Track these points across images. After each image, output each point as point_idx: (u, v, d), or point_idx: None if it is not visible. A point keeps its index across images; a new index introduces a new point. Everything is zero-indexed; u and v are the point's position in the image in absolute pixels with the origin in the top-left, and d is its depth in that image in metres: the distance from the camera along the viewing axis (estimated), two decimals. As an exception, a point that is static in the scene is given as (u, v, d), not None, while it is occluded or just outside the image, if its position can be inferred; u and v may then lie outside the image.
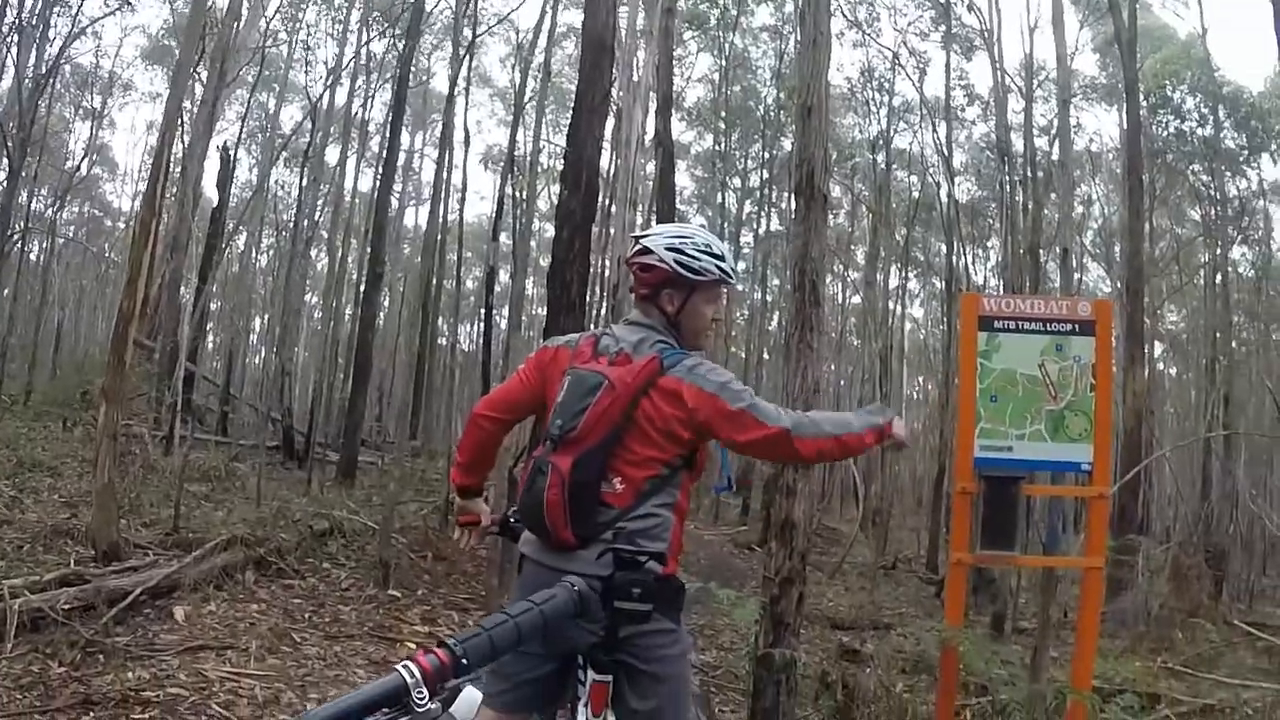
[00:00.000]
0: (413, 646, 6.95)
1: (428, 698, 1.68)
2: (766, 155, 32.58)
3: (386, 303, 34.79)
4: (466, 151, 29.63)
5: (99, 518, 7.58)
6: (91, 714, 4.74)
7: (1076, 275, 24.77)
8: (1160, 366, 32.68)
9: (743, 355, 34.78)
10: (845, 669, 6.43)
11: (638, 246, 3.12)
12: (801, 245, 5.94)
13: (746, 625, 8.84)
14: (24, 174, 20.39)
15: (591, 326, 10.10)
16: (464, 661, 1.82)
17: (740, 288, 36.33)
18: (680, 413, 2.88)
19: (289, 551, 8.82)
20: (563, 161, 10.51)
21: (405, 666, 1.70)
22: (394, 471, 10.95)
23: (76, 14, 22.82)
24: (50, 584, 6.09)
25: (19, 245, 21.21)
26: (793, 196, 6.63)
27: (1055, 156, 23.25)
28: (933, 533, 19.32)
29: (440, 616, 7.88)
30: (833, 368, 33.88)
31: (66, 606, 5.83)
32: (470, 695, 1.88)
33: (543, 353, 3.21)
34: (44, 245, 29.44)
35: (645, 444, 2.91)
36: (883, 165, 30.41)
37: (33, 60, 21.05)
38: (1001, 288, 24.04)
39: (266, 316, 35.51)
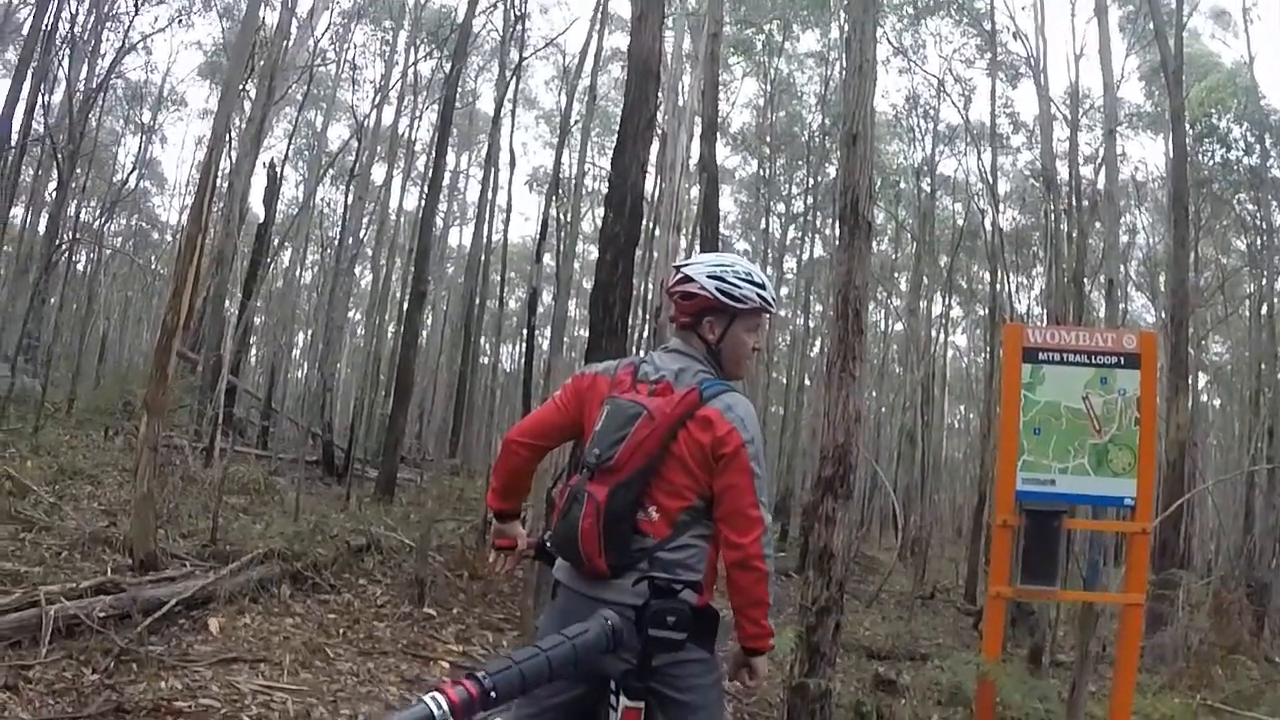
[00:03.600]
0: (446, 665, 6.95)
1: None
2: (811, 181, 32.51)
3: (429, 321, 34.95)
4: (512, 173, 29.86)
5: (137, 527, 7.62)
6: (123, 722, 4.75)
7: (1121, 305, 24.54)
8: (1204, 398, 32.21)
9: (783, 381, 34.66)
10: (880, 699, 6.38)
11: (679, 275, 3.13)
12: (845, 272, 5.92)
13: (781, 654, 8.79)
14: (73, 186, 20.71)
15: (633, 350, 10.12)
16: (493, 694, 1.80)
17: (782, 314, 36.23)
18: (709, 442, 2.86)
19: (325, 566, 8.84)
20: (607, 185, 10.54)
21: (433, 698, 1.69)
22: (432, 490, 11.00)
23: (128, 29, 23.24)
24: (86, 591, 6.11)
25: (67, 256, 21.51)
26: (837, 223, 6.62)
27: (1100, 185, 23.08)
28: (971, 563, 19.11)
29: (475, 636, 7.87)
30: (874, 394, 33.67)
31: (102, 614, 5.85)
32: None
33: (580, 379, 3.20)
34: (91, 256, 29.87)
35: (682, 474, 2.90)
36: (927, 192, 30.31)
37: (84, 74, 21.42)
38: (1045, 317, 23.82)
39: (309, 332, 35.84)
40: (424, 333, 29.73)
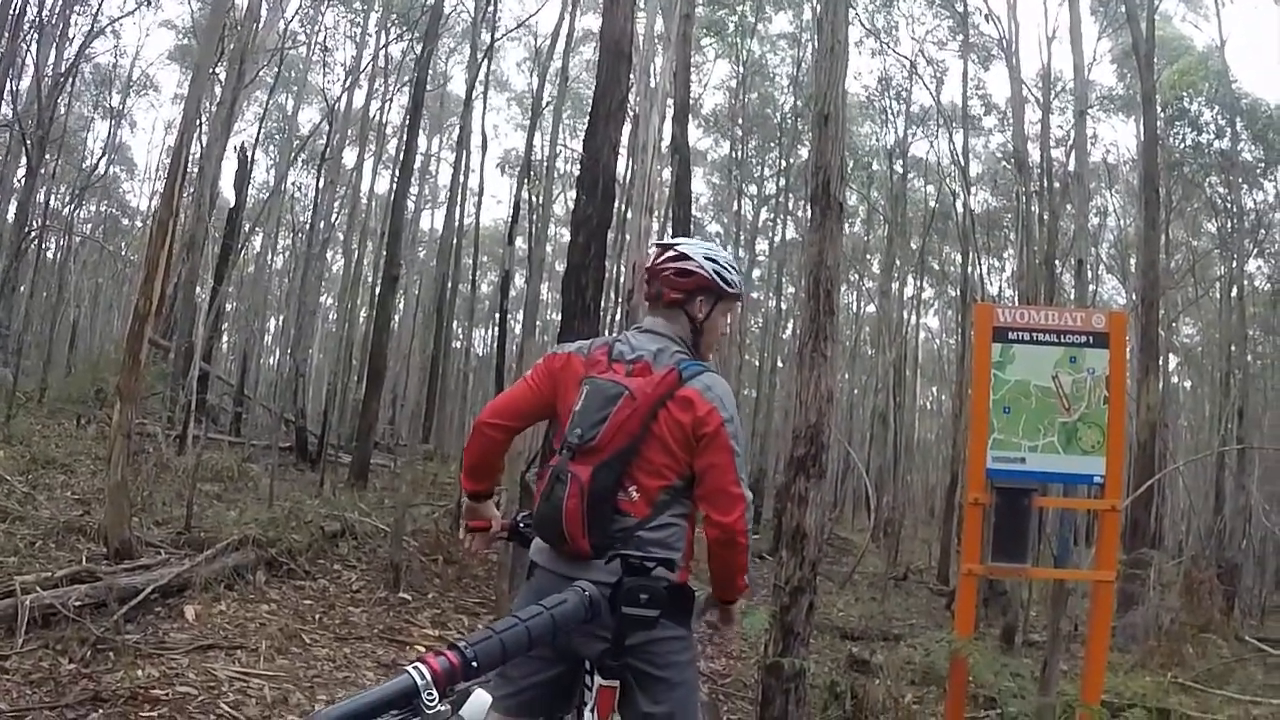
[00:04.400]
0: (422, 649, 6.96)
1: (437, 699, 1.66)
2: (783, 163, 32.54)
3: (401, 306, 34.86)
4: (484, 156, 29.69)
5: (112, 515, 7.59)
6: (100, 711, 4.75)
7: (1092, 287, 24.71)
8: (1174, 379, 32.50)
9: (755, 363, 34.72)
10: (854, 679, 6.43)
11: (672, 253, 3.17)
12: (816, 254, 5.95)
13: (755, 634, 8.86)
14: (42, 172, 20.50)
15: (605, 332, 10.09)
16: (474, 664, 1.81)
17: (755, 296, 36.31)
18: (689, 422, 2.90)
19: (300, 553, 8.83)
20: (579, 167, 10.53)
21: (415, 668, 1.69)
22: (406, 474, 11.00)
23: (96, 12, 22.98)
24: (62, 580, 6.10)
25: (36, 243, 21.30)
26: (809, 204, 6.64)
27: (1072, 167, 23.21)
28: (944, 544, 19.26)
29: (450, 620, 7.89)
30: (846, 376, 33.81)
31: (78, 603, 5.84)
32: (480, 698, 1.83)
33: (552, 359, 3.19)
34: (61, 243, 29.55)
35: (662, 453, 2.93)
36: (899, 173, 30.40)
37: (52, 58, 21.18)
38: (1016, 298, 23.96)
39: (281, 318, 35.62)
40: (396, 317, 29.71)
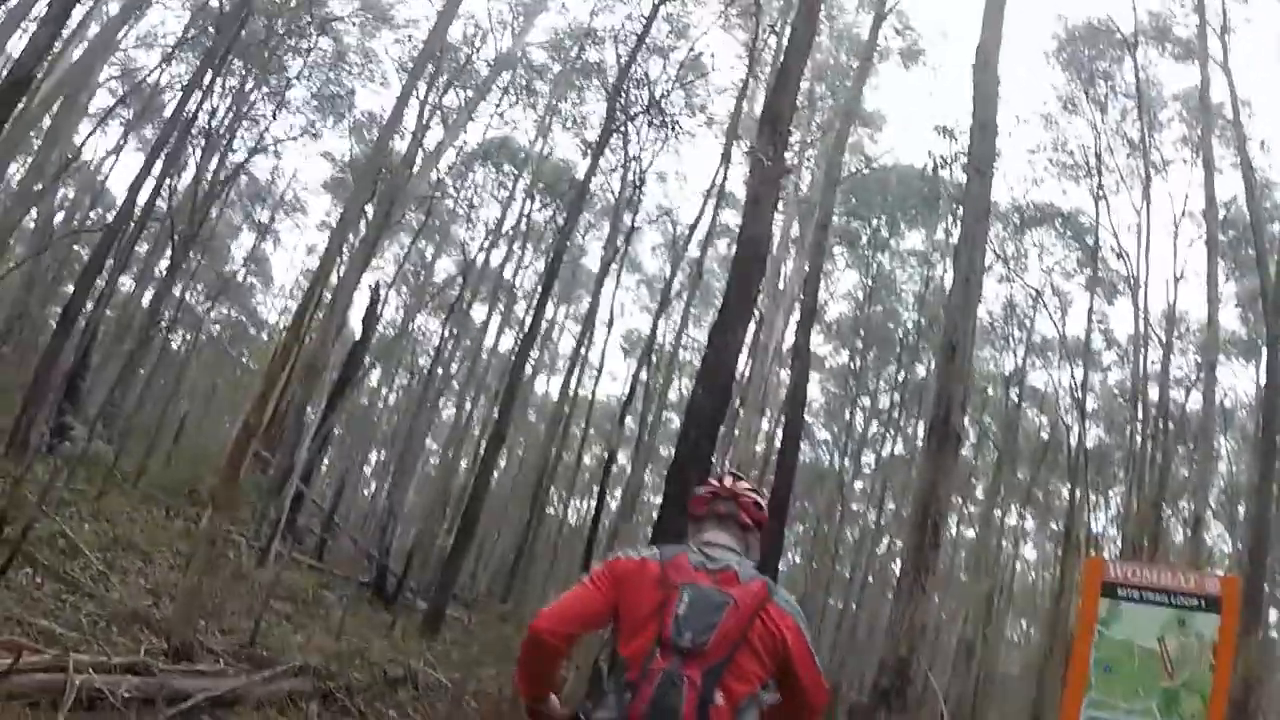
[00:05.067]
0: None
1: None
2: (899, 378, 32.48)
3: (503, 464, 35.09)
4: (609, 332, 30.28)
5: (179, 614, 7.62)
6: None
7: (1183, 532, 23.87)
8: (1274, 634, 30.71)
9: (846, 575, 33.97)
10: None
11: (746, 484, 3.38)
12: (929, 483, 5.86)
13: None
14: (184, 268, 21.43)
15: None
16: None
17: (855, 507, 35.79)
18: (783, 639, 3.00)
19: (359, 691, 8.72)
20: (701, 359, 10.59)
21: None
22: (480, 633, 10.79)
23: (264, 131, 24.32)
24: (116, 668, 6.08)
25: (164, 333, 22.08)
26: (926, 431, 6.56)
27: (1190, 409, 22.68)
28: (1020, 792, 18.21)
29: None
30: (936, 600, 32.83)
31: (126, 694, 5.80)
32: None
33: (618, 564, 3.17)
34: (187, 338, 30.64)
35: (753, 661, 2.95)
36: (1013, 402, 30.04)
37: (214, 165, 22.39)
38: (1120, 539, 23.13)
39: (383, 453, 36.12)
40: (496, 475, 29.90)
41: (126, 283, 23.17)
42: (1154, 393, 21.21)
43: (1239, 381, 55.32)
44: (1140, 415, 20.78)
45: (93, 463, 13.91)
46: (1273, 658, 26.35)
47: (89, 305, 16.34)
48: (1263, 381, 18.83)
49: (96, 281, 16.00)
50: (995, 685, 32.05)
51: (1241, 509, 25.96)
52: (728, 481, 3.34)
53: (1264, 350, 17.35)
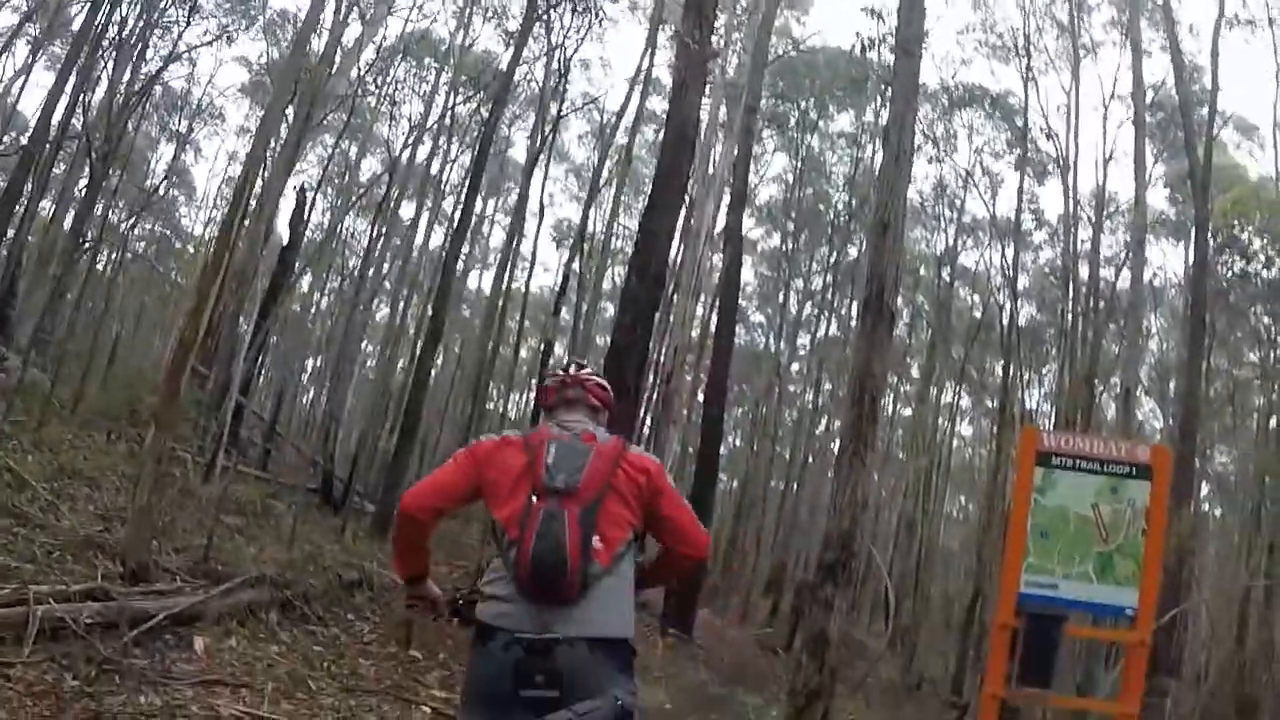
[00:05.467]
0: (428, 710, 6.87)
1: None
2: (832, 259, 32.69)
3: (440, 362, 34.97)
4: (539, 224, 30.02)
5: (132, 537, 7.60)
6: (98, 734, 4.67)
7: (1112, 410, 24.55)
8: (1205, 507, 31.92)
9: (786, 456, 34.57)
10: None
11: (589, 370, 3.69)
12: (864, 360, 5.94)
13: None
14: (104, 186, 20.85)
15: (642, 412, 10.07)
16: None
17: (791, 389, 36.26)
18: (645, 481, 3.30)
19: (316, 597, 8.78)
20: (634, 247, 10.61)
21: None
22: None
23: (177, 39, 23.52)
24: (75, 596, 6.07)
25: (90, 255, 21.57)
26: (860, 309, 6.63)
27: (1120, 287, 23.17)
28: (960, 657, 18.93)
29: (459, 683, 7.72)
30: (875, 478, 33.57)
31: (88, 620, 5.80)
32: None
33: (479, 445, 3.43)
34: (113, 258, 29.93)
35: (621, 506, 3.24)
36: (946, 281, 30.44)
37: (127, 77, 21.65)
38: (1054, 414, 23.80)
39: (320, 359, 35.82)
40: (434, 373, 29.83)
41: (47, 206, 22.45)
42: (1084, 271, 21.66)
43: (1168, 261, 56.67)
44: (1071, 293, 21.19)
45: (29, 393, 13.66)
46: (1204, 530, 27.43)
47: (10, 233, 15.86)
48: (1191, 261, 19.26)
49: (15, 208, 15.53)
50: (936, 559, 33.08)
51: (1171, 385, 26.73)
52: (572, 370, 3.65)
53: (1192, 230, 17.69)
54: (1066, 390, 19.48)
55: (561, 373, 3.68)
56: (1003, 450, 23.37)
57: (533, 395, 27.59)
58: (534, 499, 3.17)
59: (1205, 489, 30.71)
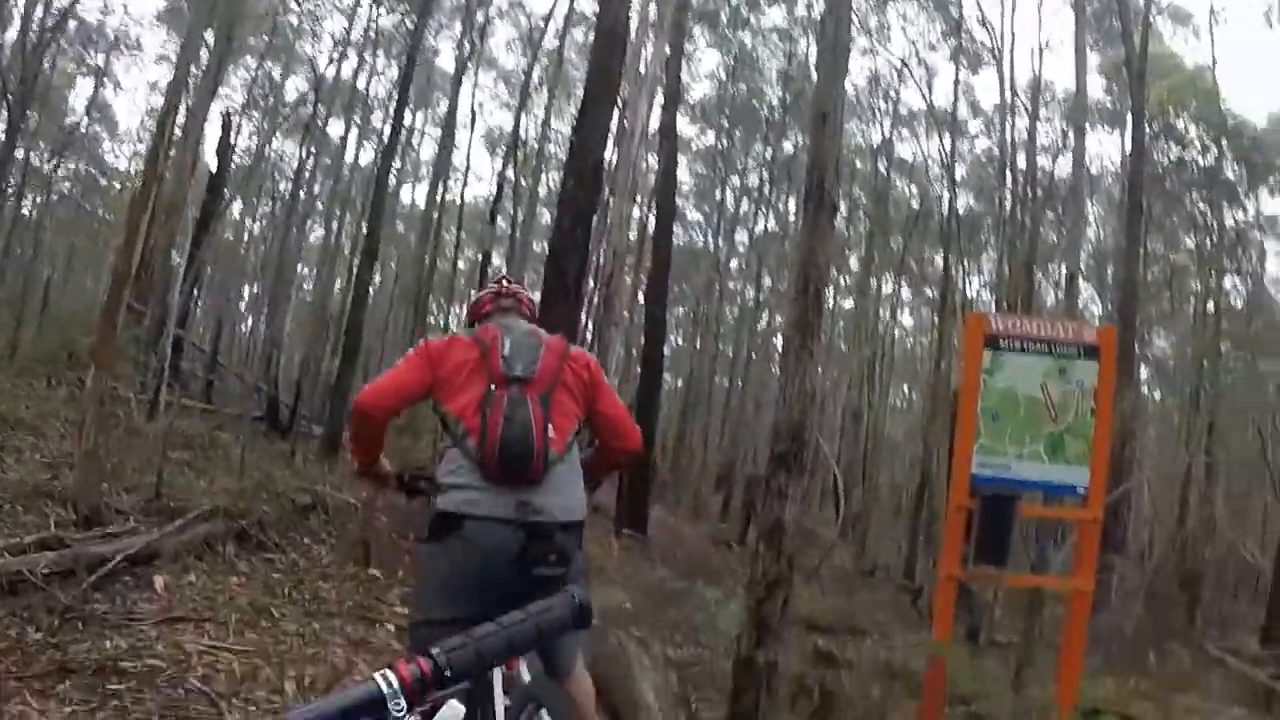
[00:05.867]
0: (392, 629, 6.92)
1: (405, 710, 1.51)
2: (767, 155, 32.58)
3: (379, 280, 34.61)
4: (471, 133, 29.58)
5: (81, 481, 7.51)
6: (69, 682, 4.65)
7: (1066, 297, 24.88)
8: (1145, 390, 32.71)
9: (729, 353, 34.80)
10: (823, 674, 6.43)
11: (525, 291, 3.94)
12: (808, 251, 5.92)
13: (728, 627, 8.89)
14: (23, 128, 20.20)
15: (586, 317, 10.09)
16: (447, 673, 1.63)
17: (731, 286, 36.36)
18: (587, 376, 3.54)
19: (271, 525, 8.74)
20: (568, 151, 10.52)
21: (384, 675, 1.53)
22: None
23: (87, -32, 22.66)
24: (30, 547, 5.99)
25: (14, 200, 21.00)
26: (802, 201, 6.62)
27: (1058, 175, 23.35)
28: (911, 542, 19.37)
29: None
30: (820, 370, 33.92)
31: (45, 570, 5.72)
32: (453, 710, 1.66)
33: (431, 344, 3.58)
34: (38, 201, 29.16)
35: (569, 398, 3.48)
36: (883, 173, 30.50)
37: (40, 13, 20.87)
38: (994, 303, 24.10)
39: (257, 286, 35.34)
40: (373, 291, 29.56)
41: None
42: (1021, 160, 21.74)
43: (1104, 149, 57.17)
44: (1009, 182, 21.30)
45: (-40, 346, 13.45)
46: (1144, 413, 28.08)
47: None
48: (1128, 149, 19.38)
49: None
50: (883, 448, 33.66)
51: (1110, 271, 27.12)
52: (504, 284, 3.89)
53: (1128, 118, 17.79)
54: (1007, 278, 19.70)
55: (496, 286, 3.90)
56: (945, 338, 23.70)
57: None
58: (493, 388, 3.35)
59: (1145, 373, 31.43)
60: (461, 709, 1.60)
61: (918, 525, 19.48)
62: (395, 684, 1.52)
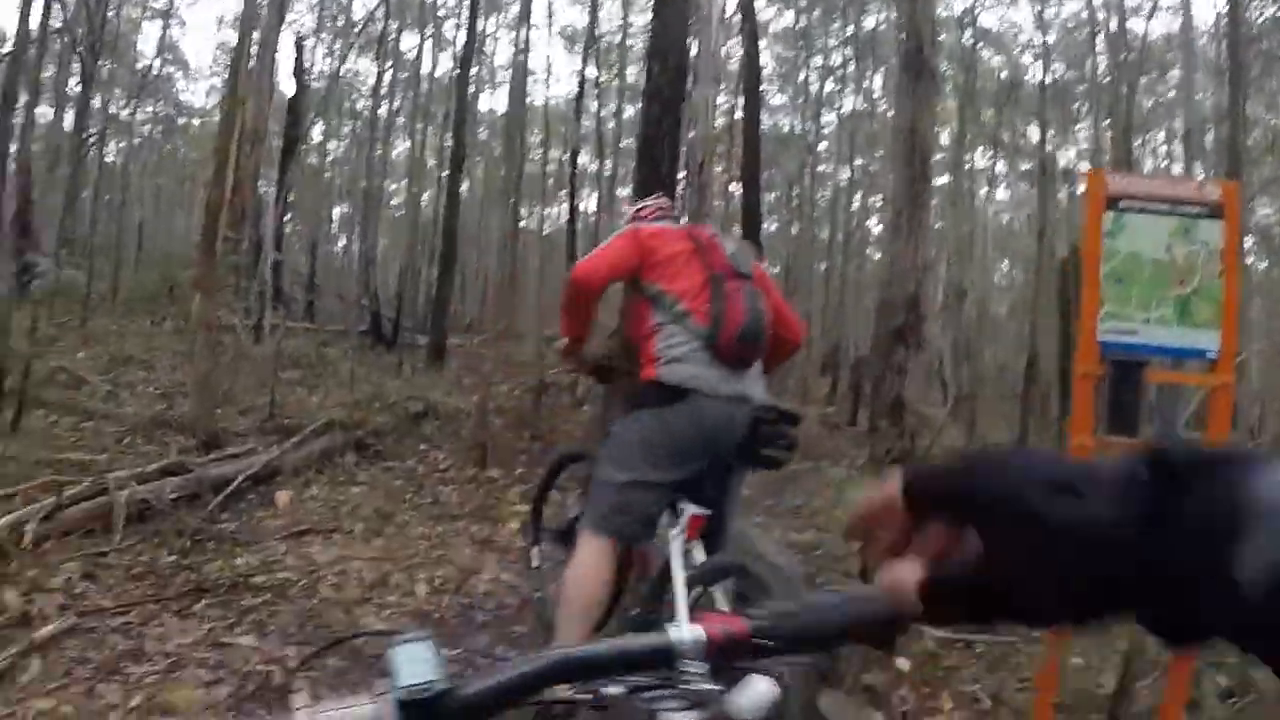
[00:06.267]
0: (515, 527, 6.95)
1: (704, 673, 1.09)
2: (849, 33, 31.62)
3: (467, 188, 34.66)
4: (549, 32, 29.19)
5: (197, 407, 7.64)
6: (204, 601, 4.73)
7: (1165, 163, 23.94)
8: (1249, 260, 31.32)
9: (824, 236, 34.24)
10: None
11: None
12: (909, 120, 5.69)
13: (843, 506, 8.78)
14: (97, 78, 20.36)
15: (682, 202, 9.91)
16: (763, 642, 1.16)
17: (821, 169, 35.64)
18: (766, 276, 3.91)
19: (386, 434, 8.89)
20: (650, 38, 10.25)
21: (681, 628, 1.10)
22: (489, 352, 10.86)
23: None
24: (154, 475, 6.09)
25: (97, 149, 21.26)
26: (901, 70, 6.34)
27: (1149, 39, 22.30)
28: (1022, 420, 18.99)
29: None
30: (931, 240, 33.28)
31: (172, 496, 5.83)
32: (760, 689, 1.11)
33: (640, 228, 3.80)
34: (121, 147, 29.56)
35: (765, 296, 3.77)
36: (968, 44, 29.41)
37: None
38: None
39: (346, 206, 35.60)
40: (462, 198, 29.59)
41: (44, 111, 21.96)
42: (1113, 23, 20.74)
43: (1197, 10, 54.33)
44: (1102, 46, 20.34)
45: (67, 293, 13.76)
46: (1249, 282, 26.98)
47: (13, 147, 15.58)
48: (1223, 6, 18.38)
49: (13, 119, 15.20)
50: (986, 326, 32.98)
51: (1208, 137, 25.90)
52: (663, 201, 4.19)
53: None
54: (1104, 147, 18.93)
55: (658, 199, 4.27)
56: (1045, 210, 22.97)
57: (564, 208, 27.27)
58: (723, 278, 3.62)
59: (1249, 241, 30.04)
60: (774, 690, 1.09)
61: (1028, 403, 19.06)
62: (690, 639, 1.08)
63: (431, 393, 10.99)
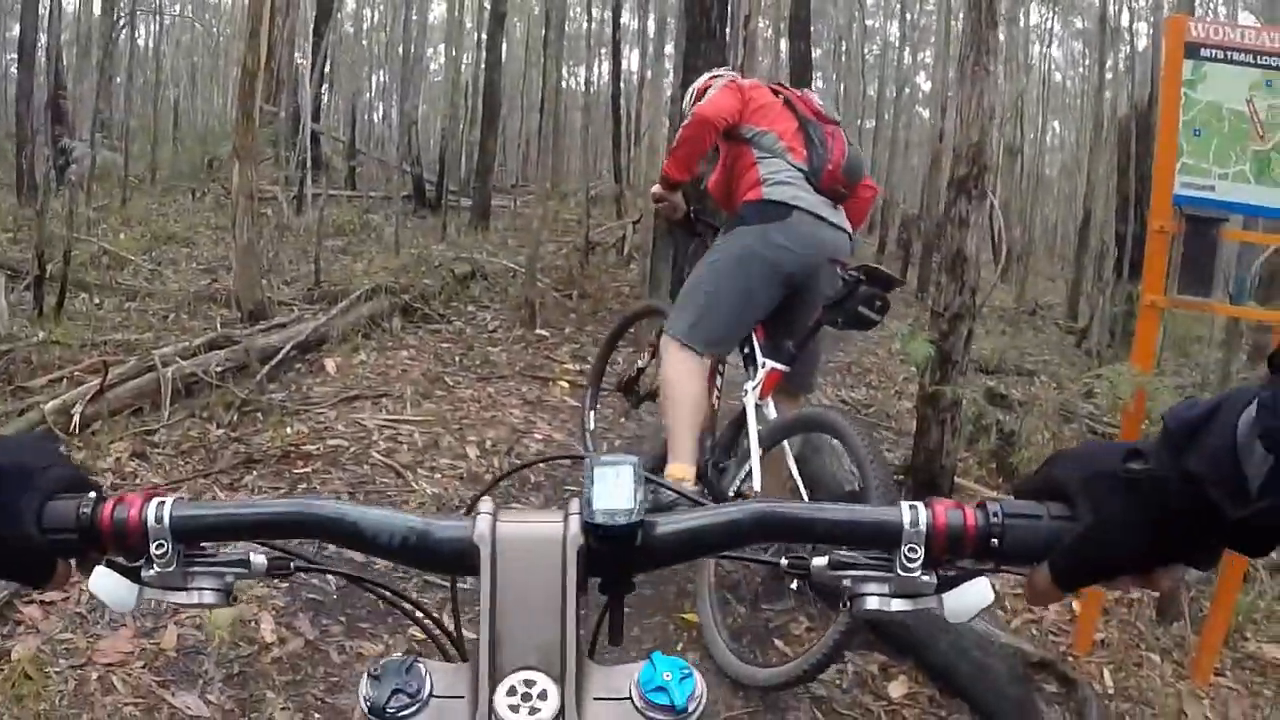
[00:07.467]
0: (566, 385, 6.92)
1: (921, 564, 0.95)
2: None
3: (505, 48, 34.03)
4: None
5: (242, 278, 7.59)
6: (255, 472, 4.73)
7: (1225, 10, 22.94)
8: None
9: (872, 94, 33.42)
10: (997, 414, 6.20)
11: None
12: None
13: (894, 366, 8.74)
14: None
15: (730, 55, 9.65)
16: (995, 542, 1.01)
17: (870, 24, 34.65)
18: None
19: (433, 297, 8.84)
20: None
21: (914, 507, 0.95)
22: (537, 210, 10.73)
23: None
24: (200, 348, 6.03)
25: (128, 30, 20.87)
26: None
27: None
28: (1075, 281, 18.62)
29: (589, 354, 7.58)
30: (1000, 86, 32.44)
31: (219, 368, 5.78)
32: (979, 590, 0.93)
33: (737, 81, 4.15)
34: (152, 28, 29.08)
35: None
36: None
37: None
38: (1152, 30, 22.18)
39: (383, 74, 35.11)
40: (503, 58, 29.06)
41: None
42: None
43: None
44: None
45: (105, 175, 13.69)
46: None
47: (43, 37, 15.31)
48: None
49: (40, 7, 14.88)
50: (1039, 188, 32.23)
51: None
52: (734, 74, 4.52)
53: None
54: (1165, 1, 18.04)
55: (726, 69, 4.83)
56: (1103, 69, 22.13)
57: (606, 65, 26.74)
58: (819, 124, 4.02)
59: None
60: (990, 594, 0.90)
61: (1081, 263, 18.66)
62: (922, 525, 0.94)
63: (477, 254, 10.91)
